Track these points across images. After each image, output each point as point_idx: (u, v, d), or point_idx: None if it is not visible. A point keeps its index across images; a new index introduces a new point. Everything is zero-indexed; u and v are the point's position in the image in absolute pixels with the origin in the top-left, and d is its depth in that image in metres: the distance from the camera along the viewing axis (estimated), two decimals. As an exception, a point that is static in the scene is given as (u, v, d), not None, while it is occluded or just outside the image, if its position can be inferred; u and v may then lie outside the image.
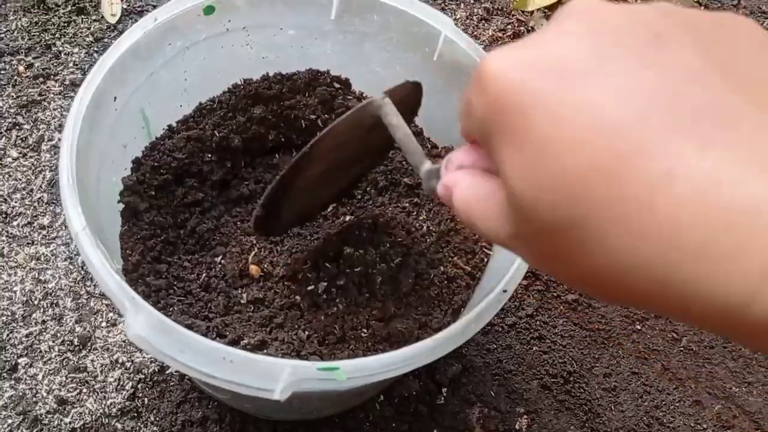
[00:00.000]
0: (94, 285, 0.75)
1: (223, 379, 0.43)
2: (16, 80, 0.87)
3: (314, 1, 0.64)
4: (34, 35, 0.91)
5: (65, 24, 0.92)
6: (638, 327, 0.79)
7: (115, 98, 0.56)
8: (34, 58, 0.89)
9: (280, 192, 0.53)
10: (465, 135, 0.31)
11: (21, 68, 0.88)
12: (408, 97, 0.54)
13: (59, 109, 0.86)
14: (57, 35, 0.91)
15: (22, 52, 0.89)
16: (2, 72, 0.87)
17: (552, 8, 0.98)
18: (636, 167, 0.21)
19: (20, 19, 0.92)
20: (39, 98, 0.86)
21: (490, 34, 0.96)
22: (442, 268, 0.62)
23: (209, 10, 0.59)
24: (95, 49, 0.91)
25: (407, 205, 0.68)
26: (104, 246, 0.51)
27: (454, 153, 0.32)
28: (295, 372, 0.43)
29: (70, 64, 0.89)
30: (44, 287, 0.74)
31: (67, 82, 0.87)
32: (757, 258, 0.19)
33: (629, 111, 0.21)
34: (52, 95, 0.86)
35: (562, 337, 0.77)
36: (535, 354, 0.76)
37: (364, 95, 0.71)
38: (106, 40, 0.91)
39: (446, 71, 0.66)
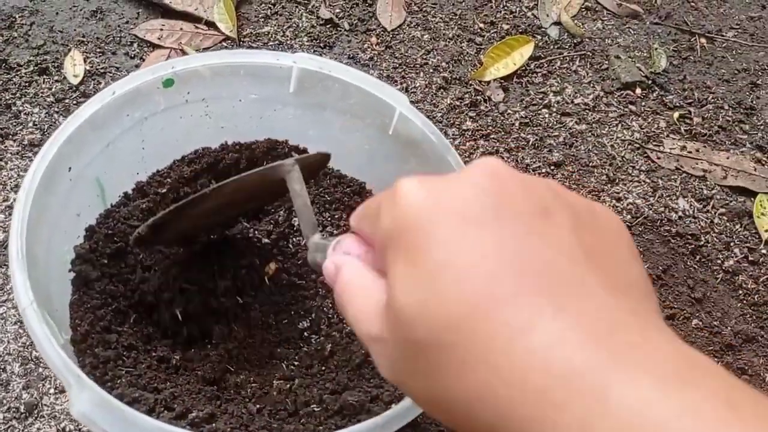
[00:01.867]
0: (44, 350, 0.73)
1: (166, 460, 0.43)
2: (-27, 139, 0.86)
3: (273, 75, 0.66)
4: (-6, 94, 0.91)
5: (26, 84, 0.92)
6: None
7: (70, 168, 0.56)
8: (-7, 117, 0.89)
9: (171, 218, 0.55)
10: (356, 228, 0.34)
11: (-21, 127, 0.87)
12: (315, 164, 0.59)
13: (16, 169, 0.85)
14: (18, 95, 0.91)
15: (-19, 111, 0.89)
16: (-41, 131, 0.87)
17: (507, 79, 1.02)
18: (504, 312, 0.24)
19: (-19, 78, 0.92)
20: (-4, 158, 0.85)
21: (448, 102, 0.98)
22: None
23: (168, 83, 0.60)
24: (56, 109, 0.91)
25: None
26: (53, 316, 0.51)
27: (344, 238, 0.35)
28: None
29: (30, 124, 0.89)
30: (-9, 352, 0.73)
31: (25, 142, 0.87)
32: (577, 413, 0.22)
33: (508, 266, 0.25)
34: (9, 155, 0.86)
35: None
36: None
37: (322, 164, 0.72)
38: (67, 100, 0.92)
39: (400, 143, 0.67)
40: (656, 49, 1.08)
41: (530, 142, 0.96)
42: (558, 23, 1.09)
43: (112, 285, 0.61)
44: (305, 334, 0.63)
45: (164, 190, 0.65)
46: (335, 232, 0.68)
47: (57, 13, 1.01)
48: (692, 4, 1.16)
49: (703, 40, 1.11)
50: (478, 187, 0.28)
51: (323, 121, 0.70)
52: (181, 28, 1.01)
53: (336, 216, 0.69)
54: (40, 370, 0.72)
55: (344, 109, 0.68)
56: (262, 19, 1.04)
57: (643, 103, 1.02)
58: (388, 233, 0.29)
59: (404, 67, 1.02)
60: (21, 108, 0.90)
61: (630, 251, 0.29)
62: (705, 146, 0.98)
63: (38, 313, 0.46)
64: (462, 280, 0.25)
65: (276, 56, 0.64)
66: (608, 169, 0.95)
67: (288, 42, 1.02)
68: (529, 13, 1.11)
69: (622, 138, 0.98)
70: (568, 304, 0.25)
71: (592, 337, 0.24)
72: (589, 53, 1.07)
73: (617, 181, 0.94)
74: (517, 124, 0.98)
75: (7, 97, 0.91)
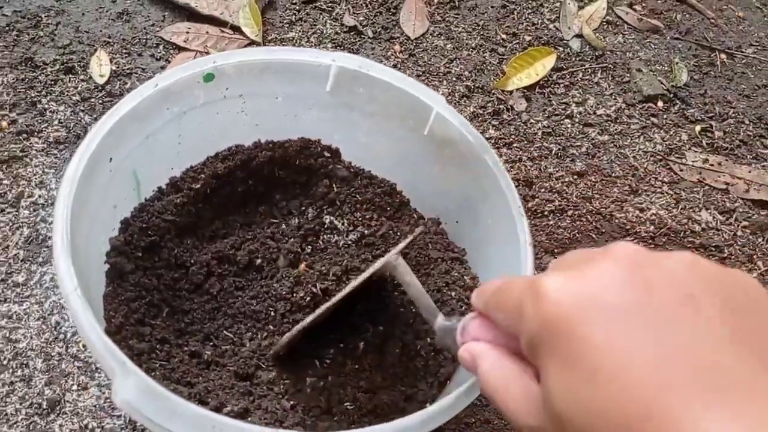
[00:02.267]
0: (67, 346, 0.73)
1: (211, 449, 0.42)
2: (-2, 135, 0.86)
3: (310, 73, 0.66)
4: (19, 91, 0.91)
5: (52, 82, 0.92)
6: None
7: (111, 159, 0.56)
8: (18, 114, 0.89)
9: (296, 336, 0.57)
10: (483, 312, 0.34)
11: (4, 123, 0.87)
12: (414, 242, 0.59)
13: (41, 166, 0.85)
14: (43, 93, 0.91)
15: (6, 108, 0.89)
16: (-15, 126, 0.87)
17: (530, 89, 1.02)
18: (657, 418, 0.25)
19: (6, 75, 0.92)
20: (21, 154, 0.85)
21: (471, 110, 0.99)
22: (428, 339, 0.62)
23: (209, 77, 0.60)
24: (81, 108, 0.91)
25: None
26: (91, 306, 0.50)
27: (469, 322, 0.35)
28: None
29: (55, 122, 0.89)
30: (14, 347, 0.72)
31: (51, 140, 0.87)
32: None
33: (655, 369, 0.26)
34: (34, 152, 0.86)
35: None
36: (513, 429, 0.75)
37: (352, 164, 0.72)
38: (93, 99, 0.92)
39: (435, 143, 0.67)
40: (677, 63, 1.08)
41: (553, 152, 0.96)
42: (580, 36, 1.10)
43: (146, 278, 0.61)
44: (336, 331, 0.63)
45: (198, 186, 0.65)
46: (366, 231, 0.68)
47: (83, 14, 1.01)
48: (712, 21, 1.17)
49: (723, 56, 1.11)
50: (616, 281, 0.28)
51: (357, 120, 0.70)
52: (207, 32, 1.01)
53: (367, 216, 0.69)
54: (63, 366, 0.72)
55: (379, 108, 0.68)
56: (287, 25, 1.05)
57: (665, 116, 1.02)
58: (536, 335, 0.29)
59: (427, 75, 1.02)
60: (46, 106, 0.90)
61: None
62: (727, 159, 0.98)
63: (82, 299, 0.46)
64: (612, 385, 0.26)
65: (315, 54, 0.64)
66: (631, 180, 0.95)
67: (312, 48, 1.03)
68: (551, 26, 1.11)
69: (645, 150, 0.98)
70: (727, 405, 0.24)
71: (740, 428, 0.23)
72: (610, 66, 1.07)
73: (640, 192, 0.94)
74: (540, 133, 0.98)
75: (33, 95, 0.91)
